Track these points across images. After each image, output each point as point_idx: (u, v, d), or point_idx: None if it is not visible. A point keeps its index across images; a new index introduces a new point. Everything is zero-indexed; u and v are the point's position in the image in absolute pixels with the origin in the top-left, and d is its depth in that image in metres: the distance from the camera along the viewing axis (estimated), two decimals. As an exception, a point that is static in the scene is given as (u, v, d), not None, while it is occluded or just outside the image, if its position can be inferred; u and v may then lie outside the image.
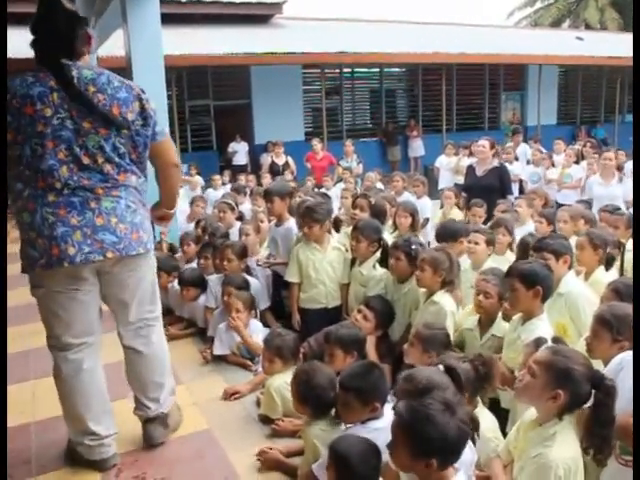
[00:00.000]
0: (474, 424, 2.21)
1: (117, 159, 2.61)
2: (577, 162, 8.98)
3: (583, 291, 3.52)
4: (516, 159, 9.82)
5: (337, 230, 4.61)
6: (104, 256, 2.61)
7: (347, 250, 4.43)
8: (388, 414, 2.50)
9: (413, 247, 3.85)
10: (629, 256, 4.37)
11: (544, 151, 9.92)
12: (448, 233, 4.49)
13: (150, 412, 3.01)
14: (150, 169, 2.90)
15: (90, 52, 2.78)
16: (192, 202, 7.32)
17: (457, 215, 6.62)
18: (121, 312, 2.90)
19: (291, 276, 4.41)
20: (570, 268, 3.61)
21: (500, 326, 3.30)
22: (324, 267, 4.34)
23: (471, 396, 2.59)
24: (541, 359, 2.27)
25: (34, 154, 2.52)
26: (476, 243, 4.19)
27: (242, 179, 10.20)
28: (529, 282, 3.00)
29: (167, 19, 6.87)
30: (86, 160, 2.55)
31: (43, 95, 2.50)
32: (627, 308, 2.66)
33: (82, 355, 2.81)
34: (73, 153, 2.54)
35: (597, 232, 4.21)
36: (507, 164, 9.12)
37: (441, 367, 2.36)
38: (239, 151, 14.50)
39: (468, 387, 2.54)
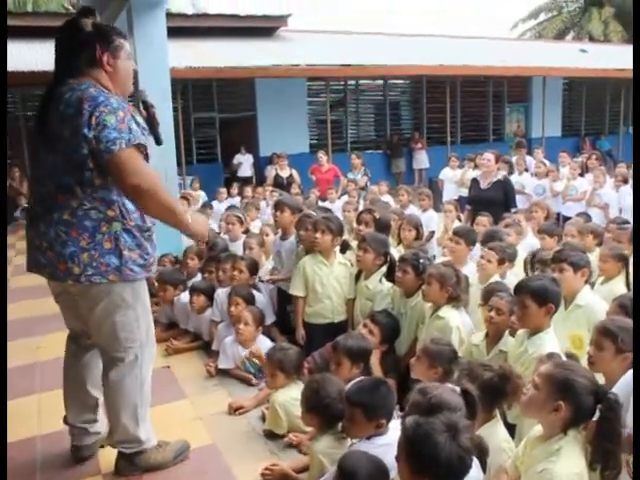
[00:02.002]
0: (481, 449, 2.20)
1: (56, 177, 2.61)
2: (582, 174, 8.96)
3: (602, 304, 3.53)
4: (526, 170, 9.79)
5: (343, 252, 4.57)
6: (41, 274, 2.72)
7: (352, 265, 4.42)
8: (393, 430, 2.50)
9: (421, 261, 3.85)
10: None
11: (547, 163, 9.90)
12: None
13: (106, 439, 3.07)
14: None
15: (106, 69, 2.71)
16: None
17: (458, 228, 6.63)
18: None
19: (296, 289, 4.39)
20: (587, 282, 3.63)
21: (507, 341, 3.29)
22: (330, 282, 4.32)
23: (489, 407, 2.59)
24: (543, 371, 2.28)
25: None
26: (488, 261, 4.18)
27: (249, 191, 10.22)
28: (541, 299, 3.01)
29: (173, 32, 6.92)
30: (41, 175, 2.70)
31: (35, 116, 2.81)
32: (628, 320, 2.69)
33: (69, 349, 3.09)
34: (37, 167, 2.76)
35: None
36: (517, 175, 9.17)
37: (457, 389, 2.35)
38: (244, 163, 14.54)
39: (487, 398, 2.54)
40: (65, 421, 3.13)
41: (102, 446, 3.17)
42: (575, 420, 2.21)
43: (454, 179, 10.63)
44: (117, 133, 2.52)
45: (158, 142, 3.02)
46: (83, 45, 2.69)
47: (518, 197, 7.98)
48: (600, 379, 2.54)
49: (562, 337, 3.26)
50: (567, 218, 7.44)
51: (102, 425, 3.15)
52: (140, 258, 2.72)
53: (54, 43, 2.76)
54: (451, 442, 1.91)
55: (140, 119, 2.70)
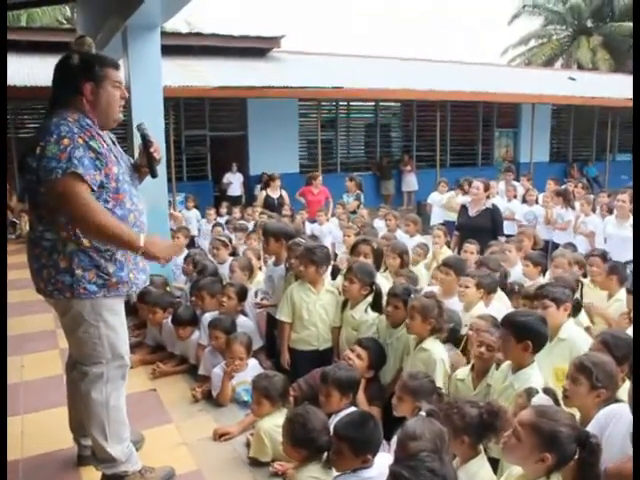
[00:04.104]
0: None
1: (32, 200, 2.80)
2: (569, 202, 8.96)
3: (586, 337, 3.60)
4: (515, 197, 9.85)
5: (334, 277, 4.58)
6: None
7: (340, 293, 4.44)
8: (379, 464, 2.53)
9: (412, 296, 3.87)
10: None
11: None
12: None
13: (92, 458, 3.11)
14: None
15: (88, 98, 2.81)
16: (173, 235, 7.11)
17: (447, 254, 6.66)
18: None
19: (283, 315, 4.40)
20: (570, 316, 3.69)
21: (494, 375, 3.31)
22: (317, 309, 4.34)
23: (474, 443, 2.61)
24: (526, 421, 2.26)
25: None
26: (466, 287, 4.24)
27: (236, 212, 10.21)
28: (520, 335, 3.05)
29: (167, 50, 6.98)
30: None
31: None
32: (604, 357, 2.74)
33: (68, 365, 3.15)
34: None
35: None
36: (506, 201, 9.25)
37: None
38: (234, 182, 14.54)
39: (475, 434, 2.58)
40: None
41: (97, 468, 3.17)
42: (559, 466, 2.22)
43: (442, 203, 10.71)
44: (55, 162, 2.60)
45: (153, 175, 3.11)
46: (69, 77, 2.82)
47: (507, 223, 8.09)
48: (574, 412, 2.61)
49: (546, 371, 3.30)
50: (557, 245, 7.51)
51: None
52: (98, 278, 2.77)
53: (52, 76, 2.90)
54: (446, 466, 1.99)
55: (98, 144, 2.74)
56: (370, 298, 4.22)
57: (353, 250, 5.12)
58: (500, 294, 4.69)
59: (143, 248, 2.74)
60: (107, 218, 2.68)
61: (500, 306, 4.50)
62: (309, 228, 8.85)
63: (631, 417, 2.29)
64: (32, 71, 11.77)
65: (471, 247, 5.87)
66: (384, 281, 4.82)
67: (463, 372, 3.49)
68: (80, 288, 2.74)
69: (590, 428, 2.40)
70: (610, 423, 2.44)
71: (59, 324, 3.11)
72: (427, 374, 3.30)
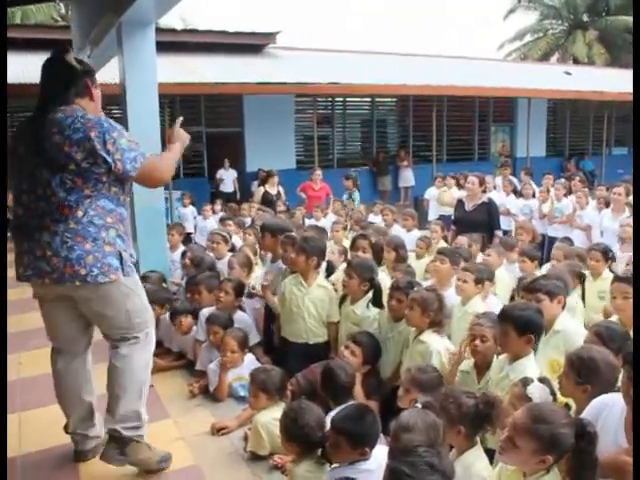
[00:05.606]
0: None
1: (62, 193, 2.80)
2: (566, 195, 9.00)
3: (580, 329, 3.60)
4: (514, 192, 9.85)
5: (328, 275, 4.58)
6: (43, 281, 2.89)
7: (336, 290, 4.43)
8: (376, 456, 2.53)
9: (415, 289, 3.88)
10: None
11: (534, 186, 9.96)
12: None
13: (105, 422, 3.13)
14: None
15: (93, 99, 3.05)
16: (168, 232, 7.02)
17: (444, 249, 6.68)
18: (100, 328, 3.17)
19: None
20: (564, 308, 3.69)
21: (493, 365, 3.31)
22: (306, 303, 4.30)
23: (471, 434, 2.62)
24: (523, 428, 2.21)
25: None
26: (464, 281, 4.23)
27: (227, 211, 10.23)
28: (522, 329, 3.06)
29: (162, 47, 6.93)
30: (40, 191, 2.84)
31: (22, 137, 2.97)
32: (593, 352, 2.73)
33: (56, 362, 3.20)
34: (33, 184, 2.86)
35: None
36: (504, 196, 9.28)
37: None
38: (226, 179, 14.54)
39: (471, 425, 2.59)
40: (66, 430, 3.27)
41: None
42: (557, 460, 2.21)
43: (436, 198, 10.75)
44: (135, 152, 2.89)
45: None
46: (74, 78, 2.98)
47: (503, 218, 8.10)
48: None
49: (542, 363, 3.31)
50: (553, 239, 7.52)
51: (100, 429, 3.24)
52: (130, 257, 3.06)
53: (41, 74, 3.01)
54: (445, 461, 2.01)
55: None
56: (370, 294, 4.21)
57: (352, 245, 5.16)
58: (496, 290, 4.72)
59: (180, 148, 3.24)
60: (169, 159, 3.14)
61: (496, 300, 4.52)
62: (306, 223, 8.84)
63: (624, 406, 2.30)
64: (27, 68, 11.73)
65: (462, 240, 5.89)
66: (382, 275, 4.82)
67: (467, 364, 3.46)
68: (127, 267, 2.97)
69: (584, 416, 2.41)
70: (602, 413, 2.44)
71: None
72: (435, 368, 3.31)
